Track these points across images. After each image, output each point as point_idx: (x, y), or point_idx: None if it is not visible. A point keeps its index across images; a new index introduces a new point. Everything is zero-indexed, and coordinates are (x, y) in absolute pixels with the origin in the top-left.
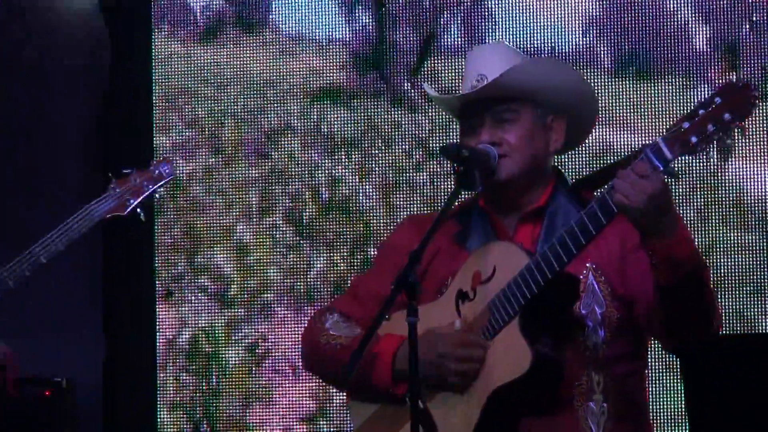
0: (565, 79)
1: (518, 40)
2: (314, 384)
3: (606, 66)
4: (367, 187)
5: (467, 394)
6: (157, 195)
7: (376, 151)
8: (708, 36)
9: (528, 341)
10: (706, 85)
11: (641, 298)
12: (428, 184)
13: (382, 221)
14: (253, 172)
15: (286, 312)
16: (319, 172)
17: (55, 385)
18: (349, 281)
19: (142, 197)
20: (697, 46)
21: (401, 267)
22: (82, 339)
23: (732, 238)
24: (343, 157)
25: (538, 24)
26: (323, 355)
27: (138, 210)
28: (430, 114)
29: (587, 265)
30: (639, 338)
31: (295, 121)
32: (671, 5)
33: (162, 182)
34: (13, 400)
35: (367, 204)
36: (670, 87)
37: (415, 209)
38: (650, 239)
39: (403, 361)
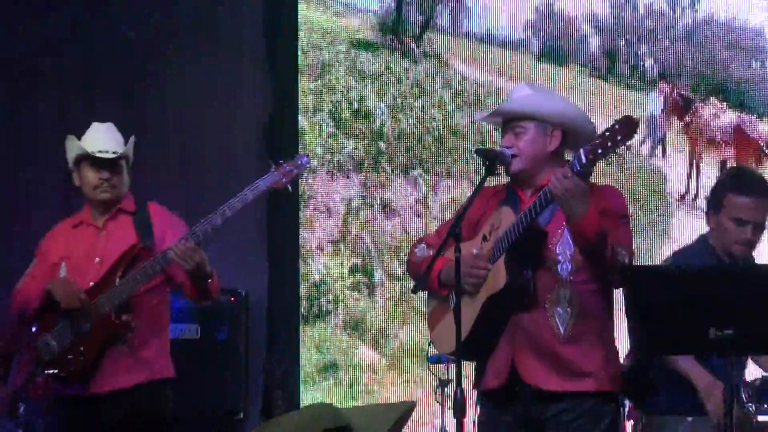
0: (556, 105)
1: (485, 30)
2: (339, 220)
3: (534, 53)
4: (382, 105)
5: (475, 298)
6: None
7: (390, 85)
8: (598, 44)
9: (507, 269)
10: (595, 71)
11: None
12: (420, 108)
13: (390, 127)
14: (311, 85)
15: (325, 175)
16: (353, 91)
17: (238, 294)
18: (364, 161)
19: (291, 178)
20: (591, 49)
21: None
22: (252, 265)
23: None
24: (369, 84)
25: (499, 20)
26: (412, 267)
27: (289, 186)
28: (426, 67)
29: (564, 224)
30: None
31: (340, 57)
32: (578, 21)
33: (303, 169)
34: (213, 302)
35: (381, 116)
36: (572, 72)
37: (412, 121)
38: (568, 217)
39: (444, 274)
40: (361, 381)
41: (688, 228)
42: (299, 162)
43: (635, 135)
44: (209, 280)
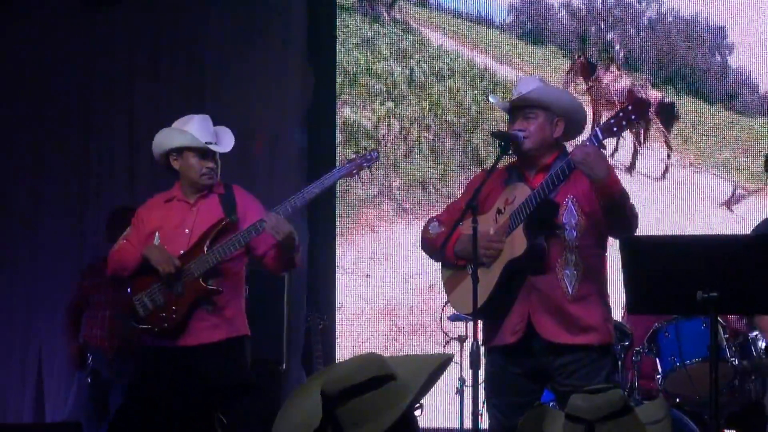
0: (562, 98)
1: (466, 7)
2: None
3: (517, 32)
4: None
5: (495, 264)
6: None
7: (369, 41)
8: (572, 28)
9: (526, 237)
10: (568, 53)
11: (598, 212)
12: (387, 49)
13: (373, 65)
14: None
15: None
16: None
17: None
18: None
19: (362, 170)
20: (566, 33)
21: (469, 198)
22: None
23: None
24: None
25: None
26: (427, 243)
27: (358, 175)
28: (392, 29)
29: (569, 196)
30: (600, 236)
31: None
32: (556, 7)
33: (372, 162)
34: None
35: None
36: (548, 51)
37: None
38: (593, 180)
39: (460, 246)
40: (383, 336)
41: None
42: (369, 156)
43: (646, 118)
44: (295, 252)
